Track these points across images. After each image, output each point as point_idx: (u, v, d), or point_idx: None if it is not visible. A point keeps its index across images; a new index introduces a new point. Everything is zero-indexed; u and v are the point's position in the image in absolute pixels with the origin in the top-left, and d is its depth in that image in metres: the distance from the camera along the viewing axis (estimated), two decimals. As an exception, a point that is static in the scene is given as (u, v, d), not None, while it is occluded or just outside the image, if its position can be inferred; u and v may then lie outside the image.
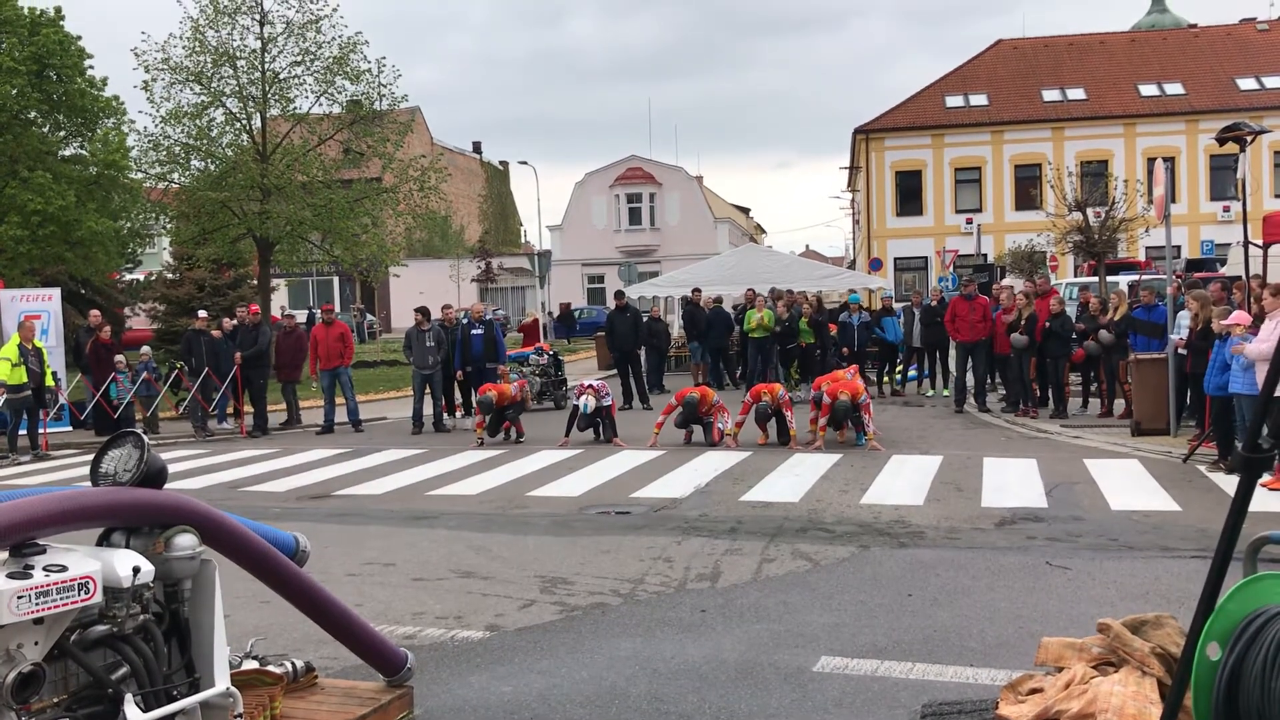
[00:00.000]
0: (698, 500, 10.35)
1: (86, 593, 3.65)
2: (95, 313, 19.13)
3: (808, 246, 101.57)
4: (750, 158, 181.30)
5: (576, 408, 14.45)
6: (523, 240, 72.22)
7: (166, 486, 4.32)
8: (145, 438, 4.30)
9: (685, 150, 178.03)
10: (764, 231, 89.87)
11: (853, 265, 54.01)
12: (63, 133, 25.37)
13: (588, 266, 57.00)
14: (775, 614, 6.70)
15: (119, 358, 17.70)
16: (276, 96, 26.31)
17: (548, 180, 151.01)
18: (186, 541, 4.12)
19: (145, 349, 19.26)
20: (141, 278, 35.63)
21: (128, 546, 4.05)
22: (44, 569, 3.58)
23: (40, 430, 15.95)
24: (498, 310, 39.67)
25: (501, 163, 75.42)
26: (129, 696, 3.79)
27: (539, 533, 9.08)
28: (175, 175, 26.02)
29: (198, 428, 17.47)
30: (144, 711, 3.81)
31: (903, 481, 11.03)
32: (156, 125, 25.62)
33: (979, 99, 46.49)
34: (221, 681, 4.15)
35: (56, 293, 18.50)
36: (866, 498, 10.21)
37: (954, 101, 46.68)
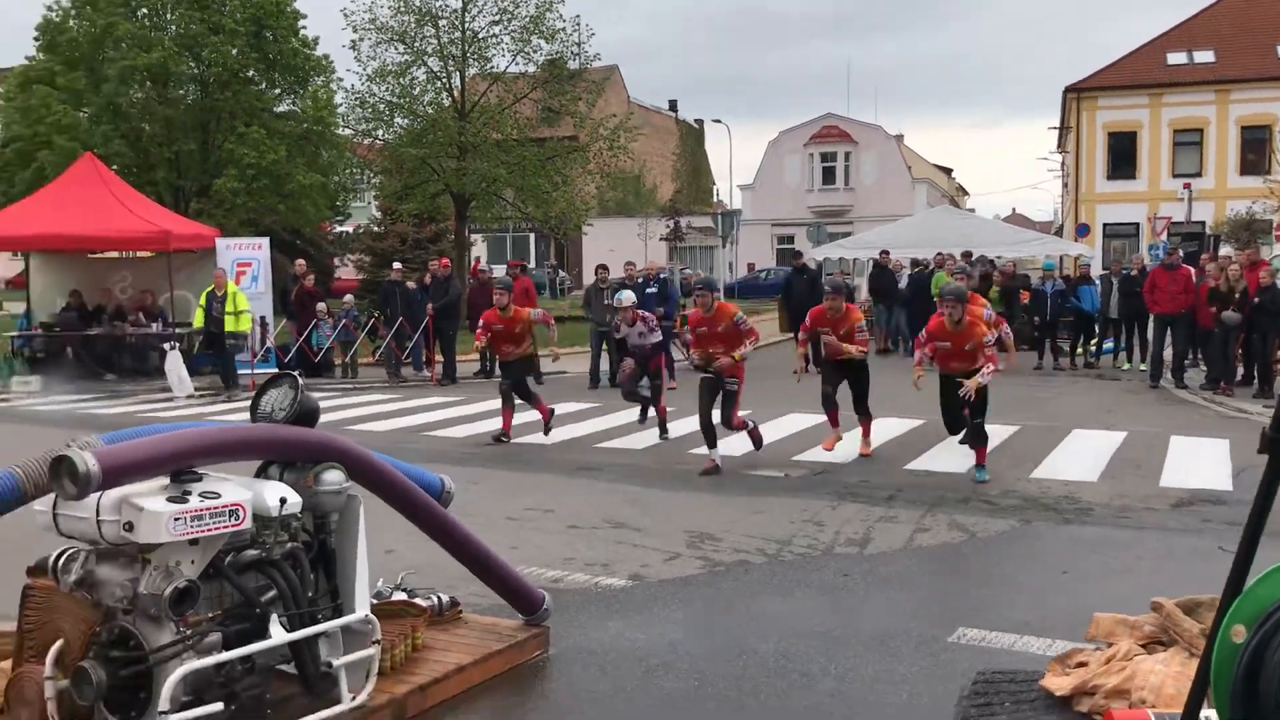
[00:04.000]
0: (860, 466, 10.25)
1: (237, 519, 3.96)
2: (300, 262, 20.27)
3: (1014, 210, 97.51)
4: (954, 116, 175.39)
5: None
6: (715, 199, 72.24)
7: (321, 425, 4.62)
8: (300, 380, 4.62)
9: (885, 108, 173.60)
10: (966, 193, 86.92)
11: (1059, 231, 51.70)
12: (277, 90, 26.88)
13: (778, 227, 56.49)
14: (920, 583, 6.62)
15: (321, 305, 18.74)
16: (475, 56, 27.09)
17: (741, 139, 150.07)
18: (334, 477, 4.40)
19: (348, 298, 20.34)
20: (350, 230, 37.44)
21: (281, 479, 4.36)
22: (200, 495, 3.90)
23: (247, 371, 17.07)
24: (685, 269, 39.86)
25: (697, 121, 75.37)
26: (275, 616, 4.10)
27: (695, 489, 9.19)
28: (379, 132, 27.21)
29: (391, 374, 18.35)
30: (288, 631, 4.11)
31: (1079, 457, 10.62)
32: (363, 83, 26.83)
33: (1204, 55, 43.48)
34: (362, 608, 4.43)
35: (265, 242, 19.67)
36: (1037, 472, 9.89)
37: (1176, 58, 43.81)
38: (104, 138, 24.46)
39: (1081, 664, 3.95)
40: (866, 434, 10.83)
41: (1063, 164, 56.97)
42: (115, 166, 22.40)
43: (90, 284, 19.24)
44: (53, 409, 15.18)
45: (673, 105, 74.99)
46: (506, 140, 26.86)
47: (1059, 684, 4.12)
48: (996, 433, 11.93)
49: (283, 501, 4.12)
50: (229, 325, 16.53)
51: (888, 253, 23.06)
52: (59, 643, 4.00)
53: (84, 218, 17.45)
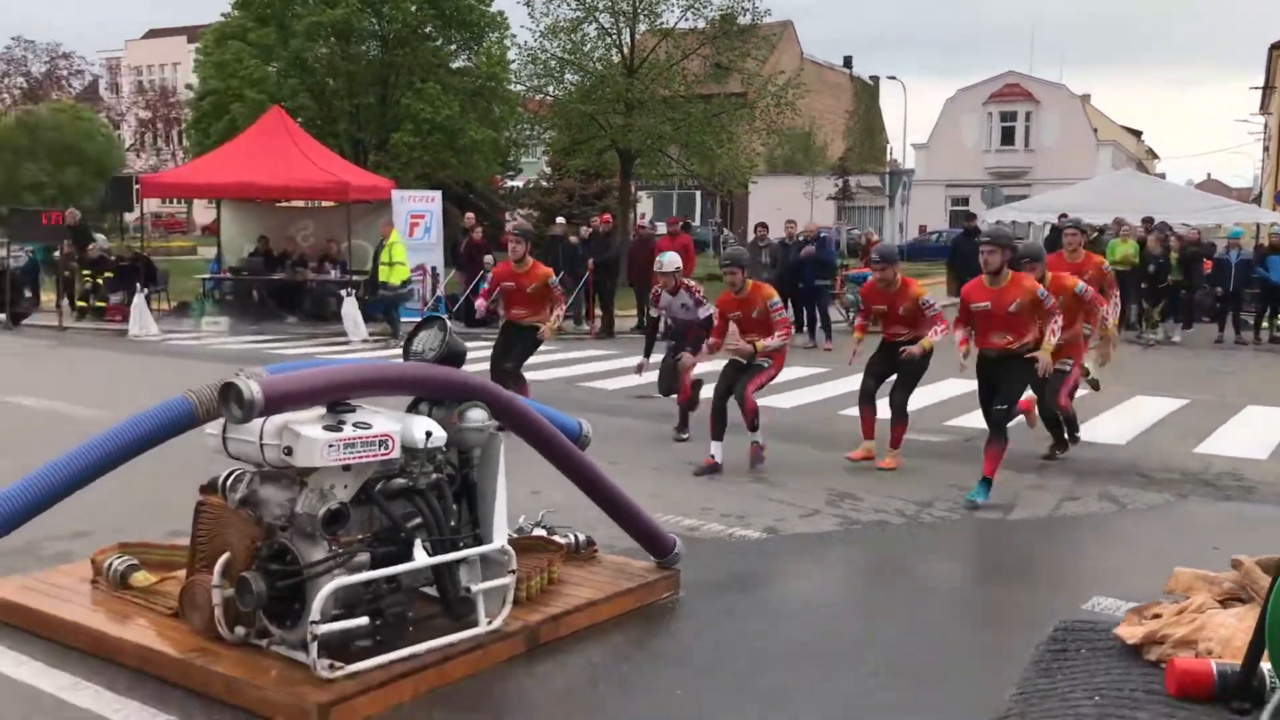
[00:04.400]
0: (1016, 433, 10.04)
1: (385, 449, 4.24)
2: (470, 215, 20.91)
3: (1209, 175, 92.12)
4: (1147, 75, 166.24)
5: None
6: (888, 158, 70.73)
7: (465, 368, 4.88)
8: (449, 323, 4.89)
9: (1072, 67, 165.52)
10: (1156, 157, 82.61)
11: (1258, 199, 48.70)
12: (453, 46, 27.64)
13: (952, 188, 54.95)
14: (1060, 550, 6.53)
15: (488, 258, 19.30)
16: (645, 11, 27.22)
17: (917, 97, 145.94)
18: (477, 415, 4.65)
19: (513, 250, 20.89)
20: (521, 185, 38.29)
21: (430, 415, 4.64)
22: (353, 425, 4.20)
23: (417, 319, 17.79)
24: (852, 229, 39.31)
25: (871, 78, 73.80)
26: (419, 541, 4.39)
27: (840, 449, 9.20)
28: (550, 88, 27.69)
29: (551, 326, 18.79)
30: (430, 556, 4.40)
31: (1250, 433, 10.15)
32: (535, 39, 27.31)
33: None
34: (499, 539, 4.69)
35: (438, 195, 20.35)
36: (1202, 446, 9.51)
37: (1398, 13, 40.49)
38: (291, 91, 25.67)
39: (1156, 615, 3.94)
40: (897, 441, 8.51)
41: (1265, 127, 53.54)
42: (300, 119, 23.48)
43: (276, 231, 20.30)
44: (238, 347, 16.17)
45: (847, 62, 73.52)
46: (674, 97, 26.96)
47: (1131, 633, 4.23)
48: (1160, 406, 11.51)
49: (428, 435, 4.39)
50: (382, 275, 17.30)
51: (1065, 216, 22.22)
52: (226, 555, 4.39)
53: (271, 168, 18.42)
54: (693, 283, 9.84)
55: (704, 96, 28.49)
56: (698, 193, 55.45)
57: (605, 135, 27.18)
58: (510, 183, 38.86)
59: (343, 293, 17.79)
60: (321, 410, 4.26)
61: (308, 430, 4.09)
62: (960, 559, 6.26)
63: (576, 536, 5.68)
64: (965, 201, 52.54)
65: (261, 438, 4.17)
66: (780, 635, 5.02)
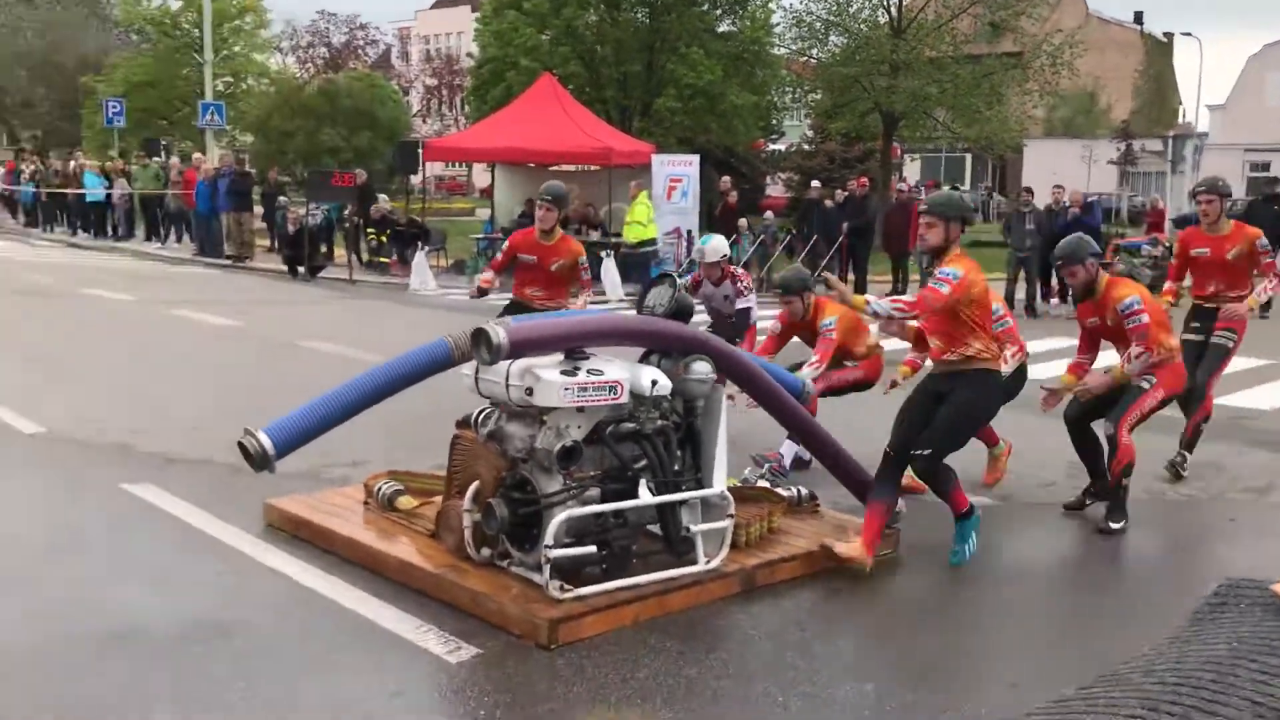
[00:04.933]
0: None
1: (615, 394, 4.62)
2: (726, 179, 21.21)
3: None
4: None
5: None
6: (1179, 120, 65.91)
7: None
8: (679, 280, 5.21)
9: None
10: None
11: None
12: (719, 11, 27.94)
13: (1251, 152, 50.68)
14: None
15: (742, 221, 19.59)
16: (915, -30, 26.59)
17: (1215, 55, 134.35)
18: (701, 367, 4.96)
19: (768, 214, 21.10)
20: (782, 149, 38.28)
21: (658, 366, 4.98)
22: (586, 371, 4.60)
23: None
24: (1135, 197, 37.08)
25: (1165, 34, 68.84)
26: (644, 481, 4.75)
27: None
28: (814, 50, 27.53)
29: (804, 289, 18.90)
30: (654, 495, 4.75)
31: None
32: (800, 2, 27.18)
33: None
34: (719, 484, 4.99)
35: (696, 159, 20.77)
36: None
37: None
38: (562, 59, 26.72)
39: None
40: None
41: None
42: (570, 86, 24.42)
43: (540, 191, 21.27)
44: (503, 302, 17.15)
45: (1138, 18, 68.82)
46: (941, 58, 26.23)
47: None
48: None
49: (654, 383, 4.73)
50: (625, 234, 17.92)
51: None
52: (475, 483, 4.89)
53: (540, 133, 19.35)
54: (740, 271, 8.61)
55: (973, 57, 27.56)
56: (967, 156, 53.60)
57: (869, 97, 26.78)
58: (772, 146, 38.90)
59: (602, 254, 18.52)
60: (560, 357, 4.67)
61: (547, 374, 4.51)
62: (1194, 537, 6.08)
63: (799, 491, 5.90)
64: (1266, 167, 48.47)
65: (507, 379, 4.63)
66: (998, 598, 5.13)
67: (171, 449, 7.17)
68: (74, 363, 10.29)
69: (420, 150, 22.21)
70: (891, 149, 28.97)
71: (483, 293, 8.16)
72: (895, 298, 5.52)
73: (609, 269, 18.01)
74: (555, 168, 22.03)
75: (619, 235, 19.48)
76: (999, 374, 5.51)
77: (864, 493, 5.57)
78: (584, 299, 8.07)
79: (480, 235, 22.09)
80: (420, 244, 19.37)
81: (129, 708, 3.84)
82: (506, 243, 8.15)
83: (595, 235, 20.01)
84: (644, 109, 28.13)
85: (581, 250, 7.98)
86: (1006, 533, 6.11)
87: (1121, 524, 5.98)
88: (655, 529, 4.95)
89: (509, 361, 4.59)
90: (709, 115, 26.30)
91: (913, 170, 45.65)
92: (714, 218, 20.24)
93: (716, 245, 8.25)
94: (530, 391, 4.53)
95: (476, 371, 4.80)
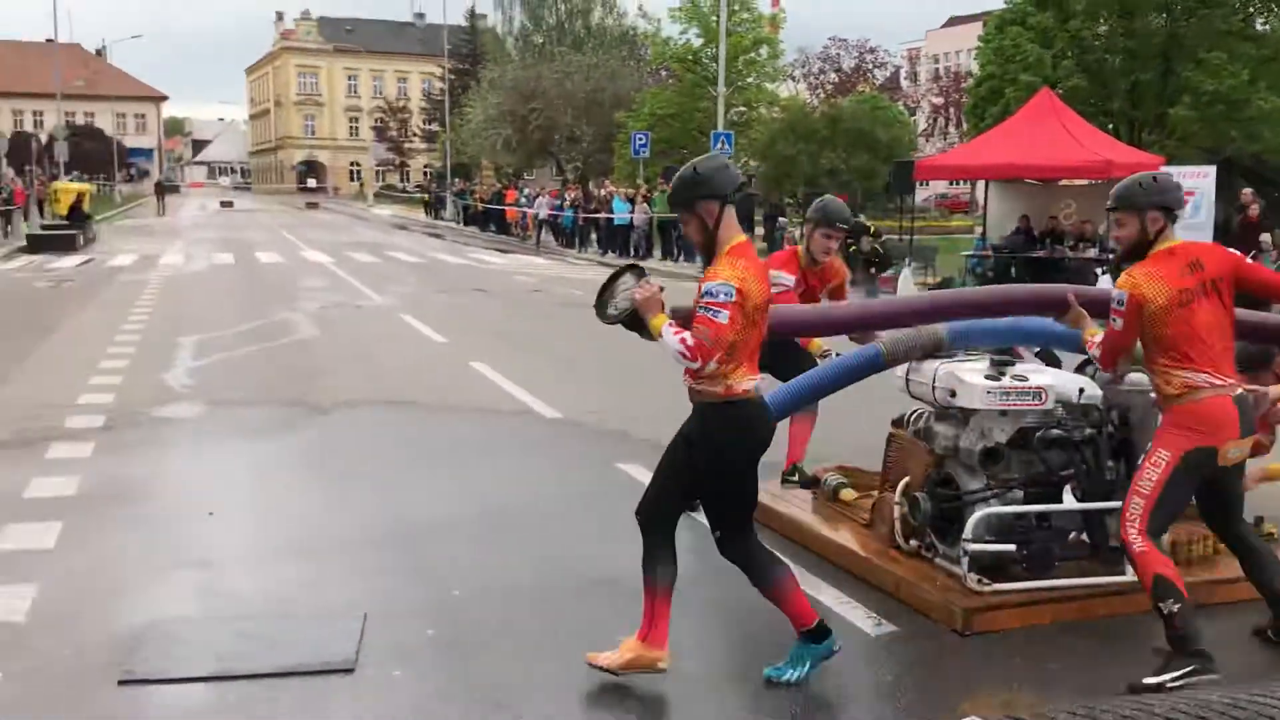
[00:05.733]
0: None
1: (1039, 400, 4.82)
2: (1247, 190, 19.43)
3: None
4: None
5: None
6: None
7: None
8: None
9: None
10: None
11: None
12: (1250, 10, 25.51)
13: None
14: None
15: (1264, 237, 17.86)
16: None
17: None
18: (1136, 378, 5.00)
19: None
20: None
21: (1091, 375, 5.09)
22: (1011, 376, 4.85)
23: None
24: None
25: None
26: (1068, 488, 4.89)
27: None
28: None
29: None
30: (1078, 502, 4.88)
31: None
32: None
33: None
34: (1151, 498, 4.96)
35: (1211, 170, 19.20)
36: None
37: None
38: (1065, 72, 25.79)
39: None
40: None
41: None
42: (1072, 100, 23.54)
43: (1039, 210, 20.79)
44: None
45: None
46: None
47: None
48: None
49: (1080, 391, 4.86)
50: None
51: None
52: (906, 478, 5.29)
53: (1036, 148, 18.96)
54: None
55: None
56: None
57: None
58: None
59: (1098, 270, 17.78)
60: (986, 361, 4.95)
61: (970, 377, 4.82)
62: None
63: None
64: None
65: (934, 381, 4.99)
66: None
67: (662, 436, 8.16)
68: (589, 362, 11.89)
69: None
70: None
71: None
72: None
73: (1104, 284, 17.28)
74: (1052, 183, 21.44)
75: (1113, 251, 18.57)
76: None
77: None
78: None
79: (970, 252, 22.00)
80: (908, 260, 19.73)
81: (604, 636, 4.69)
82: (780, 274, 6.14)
83: (1092, 252, 19.24)
84: (1157, 119, 26.37)
85: (844, 276, 6.76)
86: None
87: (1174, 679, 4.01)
88: (1085, 537, 5.04)
89: (936, 365, 4.94)
90: (1228, 122, 24.10)
91: None
92: (1229, 233, 18.64)
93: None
94: (953, 393, 4.85)
95: (907, 373, 5.19)
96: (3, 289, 19.07)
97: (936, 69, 70.09)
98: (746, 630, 4.80)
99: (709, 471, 4.05)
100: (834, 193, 24.72)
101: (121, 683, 4.18)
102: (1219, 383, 4.11)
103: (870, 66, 58.34)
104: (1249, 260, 4.42)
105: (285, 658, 4.26)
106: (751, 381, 3.98)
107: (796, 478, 6.43)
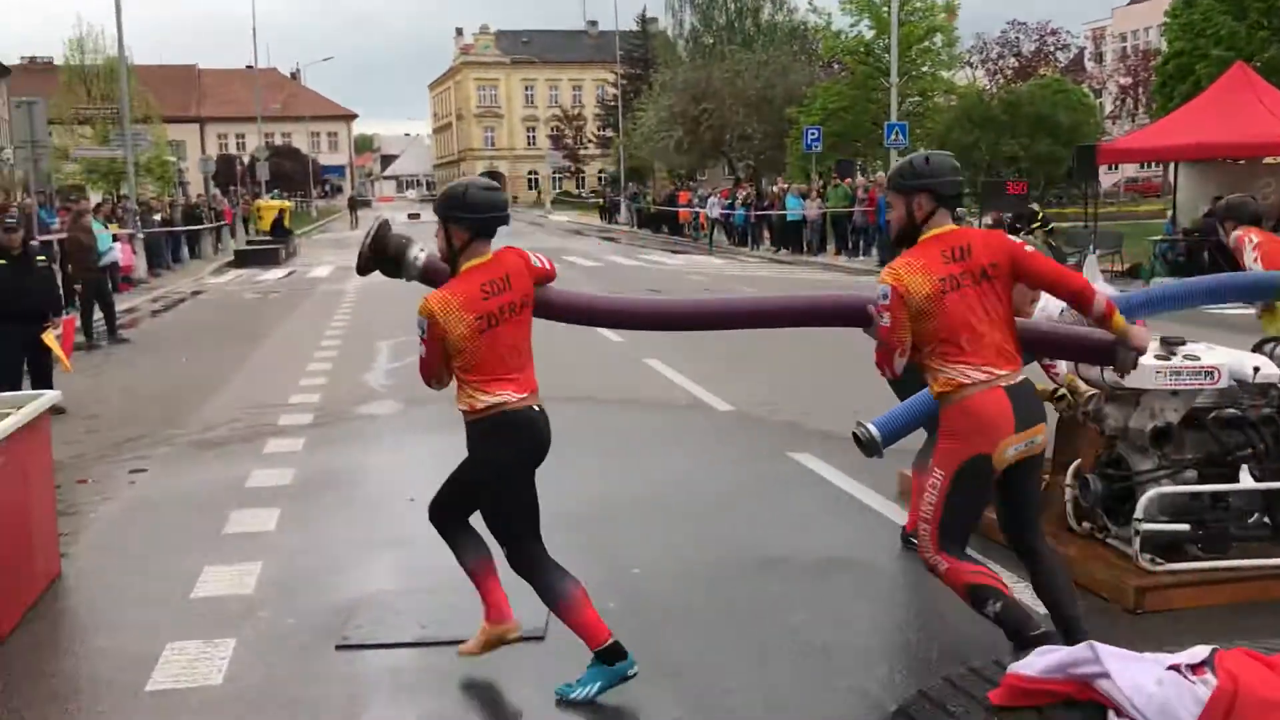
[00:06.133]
0: None
1: (1211, 379, 4.80)
2: None
3: None
4: None
5: None
6: None
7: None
8: None
9: None
10: None
11: None
12: None
13: None
14: None
15: None
16: None
17: None
18: (1319, 357, 4.90)
19: None
20: None
21: (1271, 354, 5.03)
22: (1182, 356, 4.83)
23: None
24: None
25: None
26: (1245, 468, 4.85)
27: None
28: None
29: None
30: (1256, 481, 4.83)
31: None
32: None
33: None
34: (1332, 479, 4.88)
35: None
36: None
37: None
38: (1260, 44, 24.43)
39: None
40: None
41: None
42: (1270, 74, 22.30)
43: (1233, 191, 19.73)
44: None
45: None
46: None
47: None
48: None
49: (1255, 370, 4.80)
50: None
51: None
52: (1077, 461, 5.31)
53: (1228, 125, 18.10)
54: None
55: None
56: None
57: None
58: None
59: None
60: (1157, 341, 4.93)
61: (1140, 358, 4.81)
62: None
63: None
64: None
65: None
66: None
67: (832, 427, 8.33)
68: (761, 356, 12.05)
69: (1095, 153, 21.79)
70: None
71: None
72: None
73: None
74: (1247, 161, 20.41)
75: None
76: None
77: None
78: None
79: (1160, 237, 21.14)
80: (1093, 247, 19.14)
81: (776, 613, 4.92)
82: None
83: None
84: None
85: None
86: None
87: None
88: (1267, 519, 4.97)
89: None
90: None
91: None
92: None
93: None
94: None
95: (1076, 356, 5.21)
96: (218, 300, 20.60)
97: (1123, 48, 67.11)
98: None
99: (479, 486, 4.11)
100: (1012, 180, 24.19)
101: (338, 647, 4.64)
102: (986, 376, 3.80)
103: (1052, 49, 56.30)
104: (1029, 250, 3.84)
105: (417, 633, 4.67)
106: (507, 394, 3.97)
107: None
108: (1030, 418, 3.85)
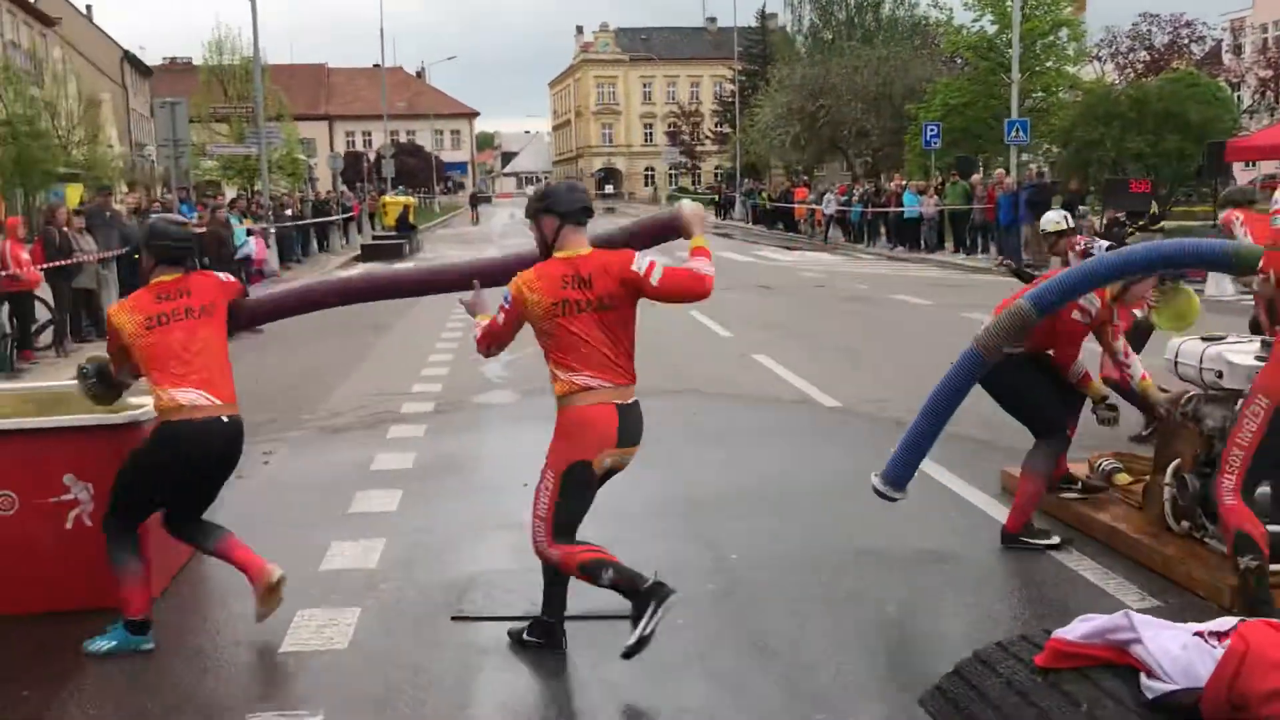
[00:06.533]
0: None
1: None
2: None
3: None
4: None
5: None
6: None
7: None
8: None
9: None
10: None
11: None
12: None
13: None
14: None
15: None
16: None
17: None
18: None
19: None
20: None
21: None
22: None
23: None
24: None
25: None
26: (1350, 470, 4.82)
27: None
28: None
29: None
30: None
31: None
32: None
33: None
34: None
35: None
36: None
37: None
38: None
39: None
40: None
41: None
42: None
43: (1375, 189, 19.05)
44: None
45: None
46: None
47: None
48: None
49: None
50: None
51: None
52: (1176, 460, 5.35)
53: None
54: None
55: None
56: None
57: None
58: None
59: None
60: (1256, 342, 4.96)
61: (1237, 358, 4.85)
62: None
63: None
64: None
65: (1201, 362, 5.04)
66: None
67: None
68: (871, 354, 12.14)
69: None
70: None
71: None
72: None
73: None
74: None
75: None
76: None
77: None
78: None
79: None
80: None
81: (868, 601, 5.09)
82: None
83: None
84: None
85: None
86: None
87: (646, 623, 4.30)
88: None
89: (1203, 346, 4.99)
90: None
91: None
92: None
93: (1050, 216, 8.70)
94: (1220, 375, 4.90)
95: (1175, 355, 5.25)
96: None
97: (1265, 39, 64.41)
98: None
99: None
100: (1136, 179, 23.56)
101: (454, 619, 4.98)
102: (599, 386, 4.17)
103: (1186, 41, 54.40)
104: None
105: (588, 604, 4.90)
106: (184, 397, 4.59)
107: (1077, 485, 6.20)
108: (631, 438, 4.28)
